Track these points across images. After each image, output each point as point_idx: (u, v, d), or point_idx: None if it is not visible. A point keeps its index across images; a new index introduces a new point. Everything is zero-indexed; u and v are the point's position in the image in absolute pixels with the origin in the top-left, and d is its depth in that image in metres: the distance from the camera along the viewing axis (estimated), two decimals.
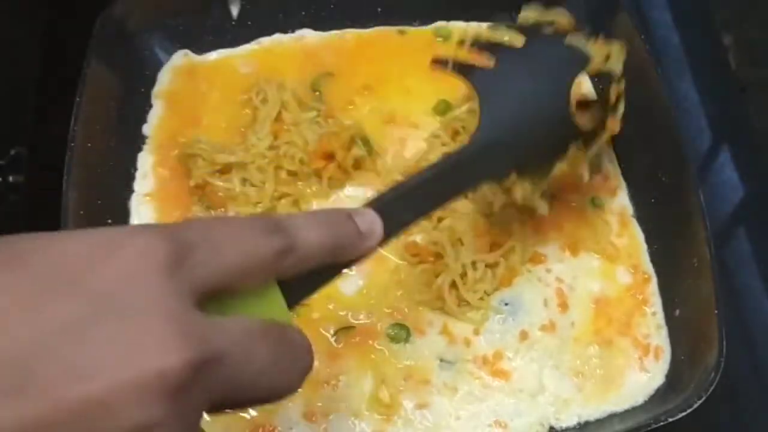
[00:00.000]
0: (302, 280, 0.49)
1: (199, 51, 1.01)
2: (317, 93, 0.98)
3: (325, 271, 0.52)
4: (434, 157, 0.90)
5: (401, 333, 0.83)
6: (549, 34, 0.81)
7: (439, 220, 0.88)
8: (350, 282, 0.86)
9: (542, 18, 0.83)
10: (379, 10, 1.04)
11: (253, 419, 0.79)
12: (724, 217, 1.03)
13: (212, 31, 1.01)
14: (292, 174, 0.90)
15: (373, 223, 0.55)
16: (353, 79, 0.99)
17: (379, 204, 0.59)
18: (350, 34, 1.03)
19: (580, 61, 0.80)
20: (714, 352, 0.77)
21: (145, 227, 0.43)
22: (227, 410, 0.46)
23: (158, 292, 0.39)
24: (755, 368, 0.95)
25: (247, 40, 1.02)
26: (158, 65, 0.99)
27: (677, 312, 0.86)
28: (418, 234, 0.88)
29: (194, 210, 0.89)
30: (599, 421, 0.81)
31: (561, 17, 0.82)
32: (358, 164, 0.92)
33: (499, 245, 0.87)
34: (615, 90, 0.85)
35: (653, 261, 0.90)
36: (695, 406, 0.74)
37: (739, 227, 1.03)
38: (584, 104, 0.86)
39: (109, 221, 0.87)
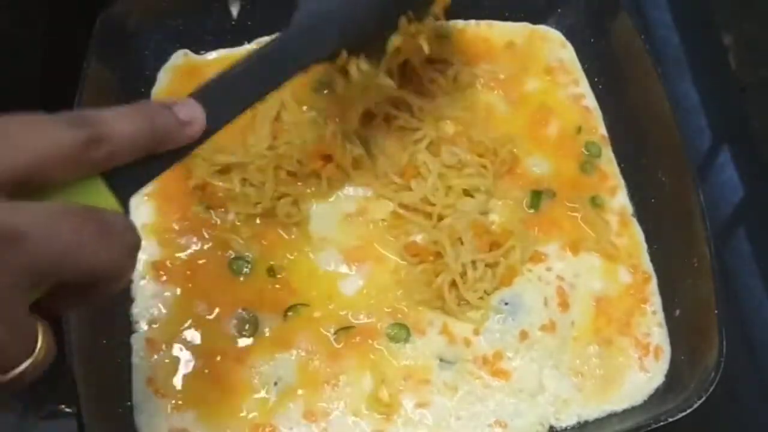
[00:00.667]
0: (131, 172, 0.52)
1: (198, 51, 1.01)
2: (317, 92, 0.98)
3: (155, 161, 0.54)
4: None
5: (401, 333, 0.83)
6: None
7: (440, 219, 0.88)
8: (350, 282, 0.86)
9: None
10: None
11: (253, 419, 0.79)
12: (724, 217, 1.03)
13: (212, 31, 1.01)
14: (292, 174, 0.90)
15: (194, 111, 0.56)
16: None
17: (201, 93, 0.59)
18: None
19: None
20: (714, 352, 0.77)
21: None
22: (70, 300, 0.49)
23: None
24: (755, 368, 0.95)
25: (247, 40, 1.02)
26: (158, 65, 0.99)
27: (677, 312, 0.86)
28: (418, 234, 0.89)
29: (194, 210, 0.89)
30: (599, 421, 0.82)
31: None
32: (357, 164, 0.92)
33: (499, 245, 0.87)
34: None
35: (653, 261, 0.90)
36: (695, 406, 0.74)
37: (739, 227, 1.03)
38: None
39: None
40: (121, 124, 0.49)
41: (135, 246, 0.51)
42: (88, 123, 0.48)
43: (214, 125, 0.58)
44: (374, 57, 0.81)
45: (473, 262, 0.85)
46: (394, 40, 0.82)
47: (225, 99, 0.62)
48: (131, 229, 0.50)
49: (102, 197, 0.50)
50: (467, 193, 0.91)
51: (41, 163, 0.45)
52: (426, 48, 0.85)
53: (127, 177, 0.52)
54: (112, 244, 0.48)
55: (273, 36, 0.71)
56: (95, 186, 0.50)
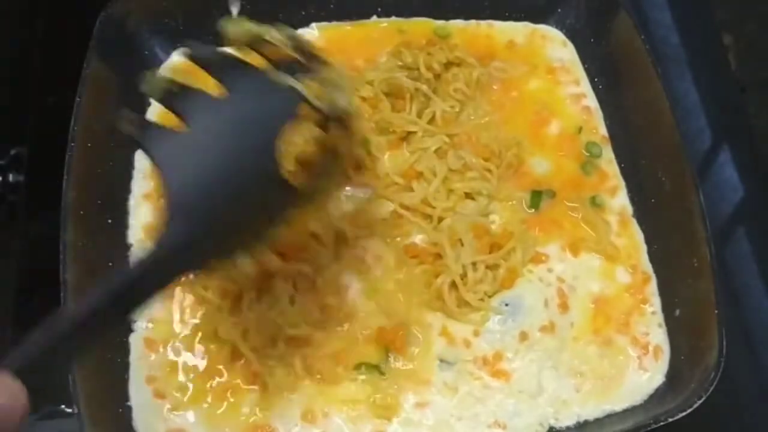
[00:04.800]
0: None
1: None
2: None
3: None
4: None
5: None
6: (255, 70, 0.68)
7: (439, 220, 0.88)
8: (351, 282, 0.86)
9: (249, 34, 0.69)
10: (379, 9, 1.04)
11: (253, 421, 0.79)
12: (724, 217, 1.03)
13: (212, 31, 1.00)
14: (292, 174, 0.90)
15: (13, 394, 0.50)
16: (353, 77, 0.98)
17: (23, 358, 0.54)
18: (350, 33, 1.03)
19: (290, 106, 0.67)
20: (714, 352, 0.77)
21: None
22: None
23: None
24: (755, 368, 0.95)
25: None
26: (158, 65, 0.99)
27: (677, 312, 0.86)
28: (418, 234, 0.89)
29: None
30: (598, 421, 0.82)
31: (274, 33, 0.69)
32: (357, 165, 0.92)
33: (500, 246, 0.87)
34: (337, 132, 0.71)
35: (653, 261, 0.90)
36: (695, 406, 0.74)
37: (739, 227, 1.03)
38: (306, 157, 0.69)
39: (109, 221, 0.87)
40: None
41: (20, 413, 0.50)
42: None
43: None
44: (252, 247, 0.70)
45: (473, 264, 0.85)
46: (280, 230, 0.71)
47: (62, 350, 0.57)
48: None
49: None
50: (469, 196, 0.90)
51: None
52: (321, 231, 0.76)
53: None
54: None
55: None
56: None
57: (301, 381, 0.80)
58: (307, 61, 0.69)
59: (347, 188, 0.91)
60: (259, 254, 0.70)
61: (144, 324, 0.83)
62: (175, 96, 0.66)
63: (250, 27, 0.69)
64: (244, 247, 0.68)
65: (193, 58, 0.68)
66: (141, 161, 0.92)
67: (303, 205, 0.71)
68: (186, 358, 0.81)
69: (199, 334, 0.82)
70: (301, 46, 0.69)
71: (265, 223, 0.69)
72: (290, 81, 0.67)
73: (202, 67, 0.68)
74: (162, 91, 0.66)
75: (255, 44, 0.69)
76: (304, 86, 0.68)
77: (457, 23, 1.04)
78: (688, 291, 0.85)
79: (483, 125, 0.96)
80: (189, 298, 0.84)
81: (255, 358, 0.80)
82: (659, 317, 0.87)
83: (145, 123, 0.66)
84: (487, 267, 0.85)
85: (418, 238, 0.88)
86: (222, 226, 0.64)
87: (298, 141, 0.67)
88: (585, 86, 1.01)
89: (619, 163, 0.96)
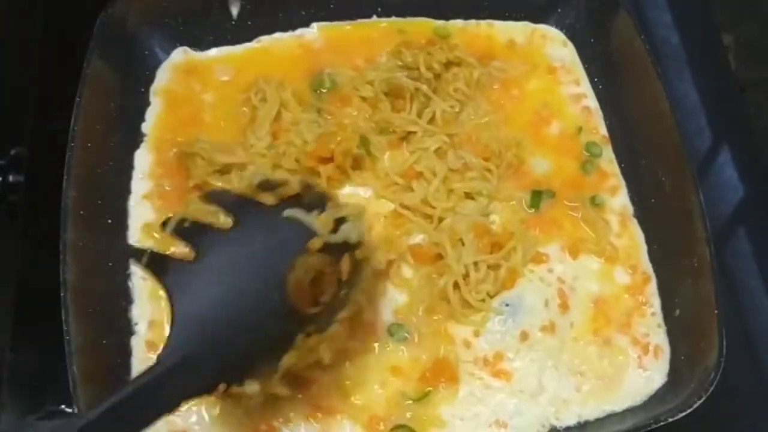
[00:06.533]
0: None
1: (198, 49, 1.00)
2: (317, 92, 0.98)
3: None
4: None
5: (401, 333, 0.83)
6: (265, 207, 0.71)
7: (440, 220, 0.88)
8: None
9: (269, 180, 0.74)
10: (379, 9, 1.04)
11: (252, 419, 0.79)
12: (724, 217, 1.03)
13: (212, 30, 1.01)
14: (292, 173, 0.90)
15: None
16: (353, 77, 0.99)
17: None
18: (350, 32, 1.03)
19: (299, 240, 0.70)
20: (714, 352, 0.77)
21: None
22: None
23: None
24: (755, 368, 0.95)
25: (247, 39, 1.02)
26: (158, 65, 0.99)
27: (677, 312, 0.86)
28: (419, 234, 0.89)
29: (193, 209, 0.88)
30: (599, 421, 0.82)
31: (291, 178, 0.74)
32: (357, 164, 0.92)
33: (501, 246, 0.87)
34: (348, 261, 0.73)
35: (653, 261, 0.90)
36: (695, 406, 0.74)
37: (739, 227, 1.03)
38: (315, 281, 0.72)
39: (109, 221, 0.87)
40: None
41: None
42: None
43: None
44: (264, 374, 0.70)
45: (475, 264, 0.85)
46: (288, 358, 0.70)
47: None
48: None
49: None
50: (469, 196, 0.90)
51: None
52: (326, 360, 0.74)
53: None
54: None
55: (136, 377, 0.64)
56: None
57: None
58: (316, 198, 0.74)
59: (347, 188, 0.92)
60: (267, 381, 0.70)
61: (145, 326, 0.83)
62: (187, 229, 0.69)
63: (259, 173, 0.75)
64: (251, 373, 0.68)
65: (209, 197, 0.72)
66: (141, 161, 0.92)
67: (313, 333, 0.72)
68: None
69: None
70: (309, 186, 0.75)
71: (273, 350, 0.70)
72: (299, 215, 0.71)
73: (218, 204, 0.71)
74: (175, 224, 0.70)
75: (267, 186, 0.73)
76: (314, 220, 0.72)
77: (457, 23, 1.04)
78: (688, 291, 0.85)
79: (483, 125, 0.96)
80: None
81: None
82: (659, 318, 0.87)
83: (158, 255, 0.69)
84: (489, 267, 0.85)
85: (419, 238, 0.88)
86: (225, 351, 0.66)
87: (309, 272, 0.70)
88: (585, 86, 1.01)
89: (619, 163, 0.96)
